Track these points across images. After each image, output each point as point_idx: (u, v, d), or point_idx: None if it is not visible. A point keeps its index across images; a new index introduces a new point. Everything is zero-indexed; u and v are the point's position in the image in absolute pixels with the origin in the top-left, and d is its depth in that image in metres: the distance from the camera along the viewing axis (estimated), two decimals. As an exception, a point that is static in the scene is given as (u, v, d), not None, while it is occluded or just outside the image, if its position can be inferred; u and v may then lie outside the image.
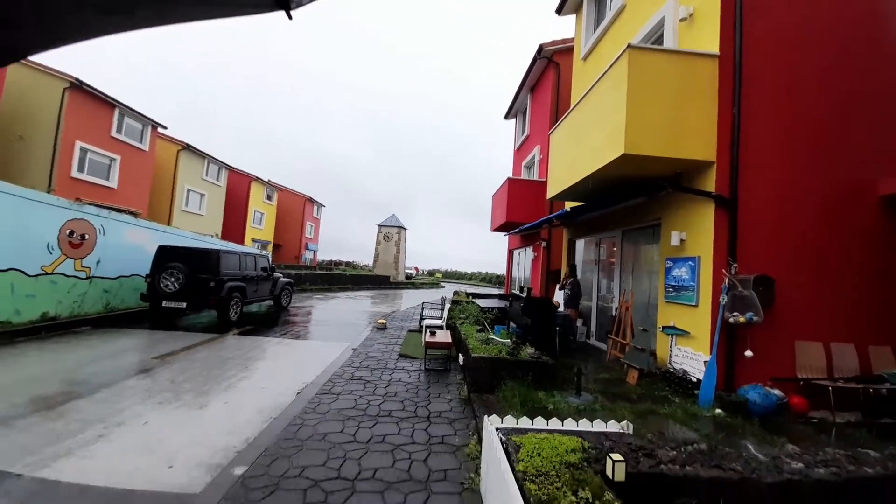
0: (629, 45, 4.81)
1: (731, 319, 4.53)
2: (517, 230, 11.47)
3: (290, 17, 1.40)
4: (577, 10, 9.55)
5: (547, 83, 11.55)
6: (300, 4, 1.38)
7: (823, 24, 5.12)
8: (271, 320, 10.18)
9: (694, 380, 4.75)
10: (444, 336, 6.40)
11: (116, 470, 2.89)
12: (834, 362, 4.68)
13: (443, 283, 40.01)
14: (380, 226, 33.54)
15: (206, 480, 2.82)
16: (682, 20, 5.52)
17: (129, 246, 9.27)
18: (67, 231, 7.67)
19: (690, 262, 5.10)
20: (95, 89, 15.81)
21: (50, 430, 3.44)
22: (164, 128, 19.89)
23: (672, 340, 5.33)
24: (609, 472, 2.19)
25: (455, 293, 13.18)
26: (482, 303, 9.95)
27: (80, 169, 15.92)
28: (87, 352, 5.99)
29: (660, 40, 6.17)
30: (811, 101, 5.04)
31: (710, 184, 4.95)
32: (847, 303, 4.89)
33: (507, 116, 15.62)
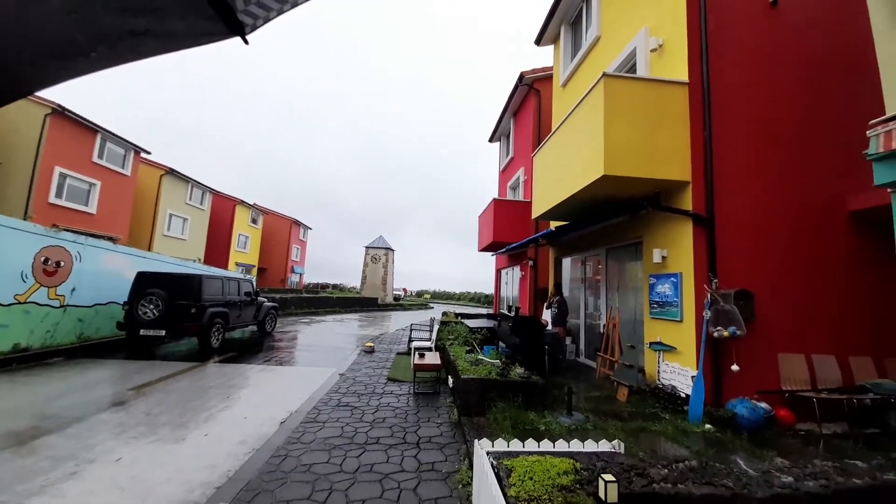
0: (604, 74, 5.05)
1: (715, 334, 4.60)
2: (504, 250, 11.57)
3: (246, 43, 1.40)
4: (554, 41, 10.02)
5: (529, 108, 11.95)
6: (255, 28, 1.37)
7: (788, 49, 5.46)
8: (255, 346, 9.89)
9: (683, 395, 4.77)
10: (433, 358, 6.31)
11: (85, 511, 2.72)
12: (817, 374, 4.77)
13: (431, 304, 39.70)
14: (367, 247, 33.41)
15: (182, 519, 2.66)
16: (652, 50, 5.83)
17: (106, 272, 9.00)
18: (42, 258, 7.42)
19: (673, 279, 5.20)
20: (78, 115, 15.68)
21: (21, 466, 3.26)
22: (148, 153, 19.74)
23: (659, 356, 5.37)
24: (602, 494, 2.15)
25: (444, 314, 13.08)
26: (471, 323, 9.89)
27: (59, 195, 15.59)
28: (60, 384, 5.70)
29: (633, 69, 6.49)
30: (780, 122, 5.31)
31: (687, 202, 5.12)
32: (825, 315, 5.03)
33: (491, 140, 16.02)
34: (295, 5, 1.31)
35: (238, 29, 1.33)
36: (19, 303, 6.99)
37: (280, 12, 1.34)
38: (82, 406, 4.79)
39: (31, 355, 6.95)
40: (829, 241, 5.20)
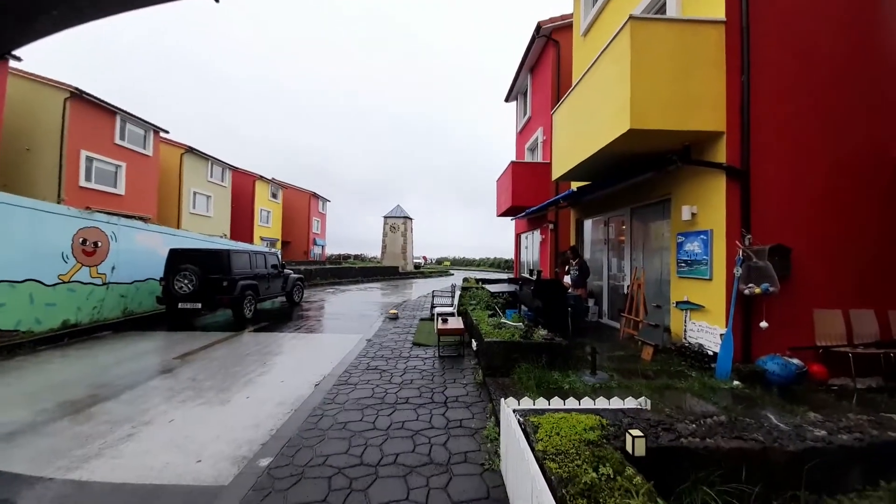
0: (631, 17, 4.66)
1: (746, 291, 4.47)
2: (524, 214, 11.38)
3: (217, 0, 1.33)
4: (574, -17, 9.26)
5: (547, 62, 11.29)
6: None
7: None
8: (285, 316, 10.32)
9: (710, 353, 4.72)
10: (455, 323, 6.43)
11: (147, 467, 2.99)
12: (854, 329, 4.61)
13: (452, 271, 40.09)
14: (385, 217, 33.55)
15: (233, 472, 2.90)
16: (685, -15, 5.32)
17: (141, 251, 9.42)
18: (80, 239, 7.80)
19: (703, 236, 5.02)
20: (95, 97, 15.87)
21: (79, 432, 3.55)
22: (166, 132, 19.97)
23: (686, 315, 5.29)
24: (629, 448, 2.20)
25: (465, 280, 13.20)
26: (492, 288, 9.96)
27: (88, 178, 16.10)
28: (110, 356, 6.14)
29: (662, 9, 5.97)
30: (823, 62, 4.86)
31: (720, 155, 4.84)
32: (865, 268, 4.79)
33: (507, 99, 15.35)
34: None
35: None
36: (63, 282, 7.44)
37: None
38: (133, 374, 5.17)
39: (82, 330, 7.47)
40: (872, 192, 4.87)
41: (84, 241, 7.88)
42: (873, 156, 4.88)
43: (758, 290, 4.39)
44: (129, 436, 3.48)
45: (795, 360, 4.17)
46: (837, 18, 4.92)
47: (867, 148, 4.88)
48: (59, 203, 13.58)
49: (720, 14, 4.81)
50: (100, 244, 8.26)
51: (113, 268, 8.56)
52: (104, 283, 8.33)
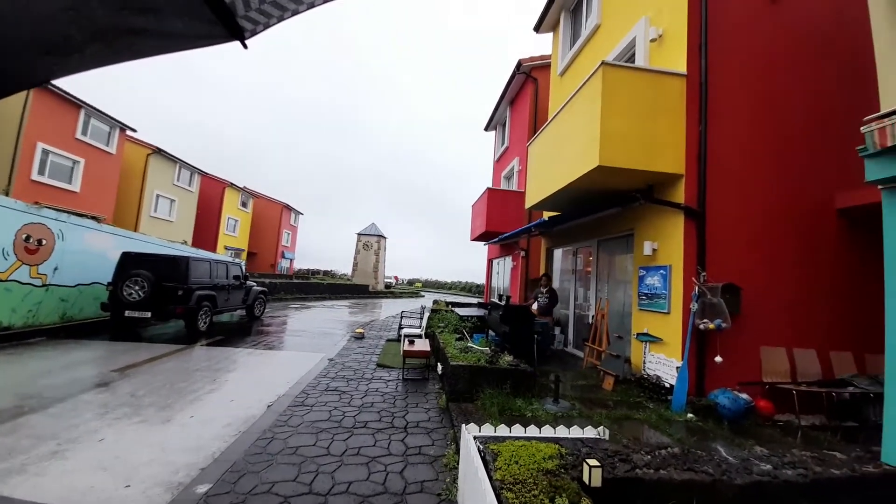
0: (603, 62, 4.99)
1: (701, 326, 4.67)
2: (497, 239, 11.57)
3: (245, 47, 1.40)
4: (553, 28, 9.88)
5: (526, 97, 11.84)
6: (255, 33, 1.39)
7: (786, 45, 5.45)
8: (243, 330, 9.82)
9: (667, 385, 4.85)
10: (422, 345, 6.32)
11: (69, 488, 2.69)
12: (797, 367, 4.88)
13: (423, 293, 39.78)
14: (359, 234, 33.19)
15: (165, 500, 2.64)
16: (652, 40, 5.77)
17: (89, 252, 8.80)
18: (24, 236, 7.22)
19: (662, 271, 5.25)
20: (61, 90, 15.15)
21: (1, 445, 3.20)
22: (134, 130, 19.19)
23: (646, 347, 5.44)
24: (586, 478, 2.19)
25: (434, 302, 13.11)
26: (461, 311, 9.92)
27: (41, 171, 15.11)
28: (42, 364, 5.59)
29: (632, 59, 6.43)
30: (774, 118, 5.33)
31: (680, 196, 5.14)
32: (809, 310, 5.13)
33: (486, 128, 15.87)
34: (295, 13, 1.34)
35: (238, 33, 1.34)
36: (0, 280, 6.81)
37: (280, 19, 1.36)
38: (65, 386, 4.71)
39: (13, 334, 6.80)
40: (816, 239, 5.27)
41: (27, 238, 7.30)
42: (819, 205, 5.31)
43: (712, 326, 4.60)
44: (54, 453, 3.14)
45: (744, 395, 4.34)
46: (791, 77, 5.42)
47: (814, 197, 5.31)
48: (5, 195, 12.61)
49: (682, 68, 5.23)
50: (44, 242, 7.66)
51: (56, 268, 7.93)
52: (44, 285, 7.69)
